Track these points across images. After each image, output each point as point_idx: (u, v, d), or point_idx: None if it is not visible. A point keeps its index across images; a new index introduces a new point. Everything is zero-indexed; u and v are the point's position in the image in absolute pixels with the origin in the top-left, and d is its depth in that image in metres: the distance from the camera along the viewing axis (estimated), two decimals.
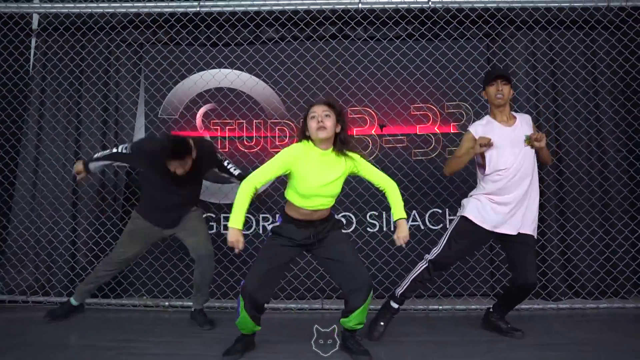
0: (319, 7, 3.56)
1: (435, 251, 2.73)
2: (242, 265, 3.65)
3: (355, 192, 3.68)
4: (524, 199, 2.61)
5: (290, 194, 2.38)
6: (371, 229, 3.76)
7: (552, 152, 3.63)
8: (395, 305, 2.78)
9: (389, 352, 2.50)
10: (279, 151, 2.34)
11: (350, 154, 2.35)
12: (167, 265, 3.66)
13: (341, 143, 2.32)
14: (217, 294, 3.61)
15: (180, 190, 2.93)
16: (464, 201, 2.77)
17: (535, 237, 2.71)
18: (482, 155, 2.66)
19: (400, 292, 2.77)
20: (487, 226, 2.63)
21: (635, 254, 3.53)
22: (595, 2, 3.49)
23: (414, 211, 3.73)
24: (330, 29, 3.73)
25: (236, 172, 3.05)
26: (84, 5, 3.70)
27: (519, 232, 2.63)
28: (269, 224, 3.79)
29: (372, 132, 3.81)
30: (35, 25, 4.06)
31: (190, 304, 3.24)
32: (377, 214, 3.77)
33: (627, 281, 3.51)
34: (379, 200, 3.68)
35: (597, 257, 3.53)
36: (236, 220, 2.22)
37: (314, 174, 2.28)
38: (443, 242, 2.73)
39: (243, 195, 2.24)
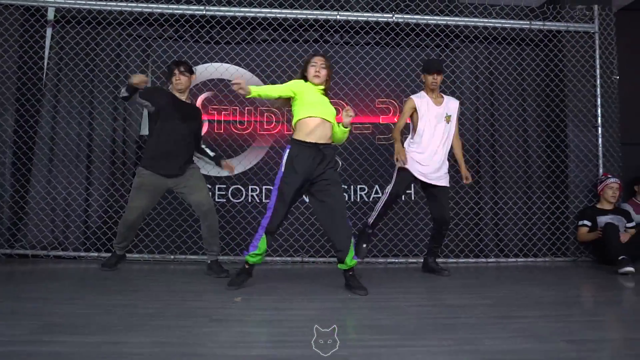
0: (304, 16, 4.36)
1: (388, 188, 3.54)
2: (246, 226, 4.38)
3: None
4: (439, 159, 3.47)
5: (298, 113, 2.87)
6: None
7: (487, 142, 4.62)
8: (370, 231, 3.61)
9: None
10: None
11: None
12: (172, 225, 4.32)
13: (325, 91, 3.01)
14: (226, 250, 4.28)
15: (182, 127, 3.31)
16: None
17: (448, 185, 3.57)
18: (415, 124, 3.53)
19: (371, 222, 3.57)
20: (414, 173, 3.47)
21: (545, 222, 4.55)
22: (520, 24, 4.50)
23: (376, 185, 4.59)
24: (313, 34, 4.54)
25: (212, 154, 3.56)
26: (97, 2, 4.28)
27: (437, 185, 3.47)
28: (257, 194, 4.53)
29: None
30: (50, 16, 4.62)
31: (193, 257, 3.90)
32: (346, 186, 4.58)
33: (539, 242, 4.52)
34: (349, 175, 4.52)
35: (522, 227, 4.53)
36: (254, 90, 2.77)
37: (314, 96, 2.91)
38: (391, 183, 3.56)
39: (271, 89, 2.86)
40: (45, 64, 4.58)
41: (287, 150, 2.88)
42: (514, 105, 4.68)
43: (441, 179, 3.50)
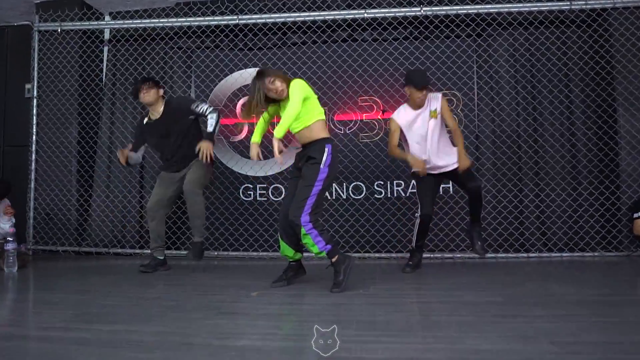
0: (332, 17, 4.45)
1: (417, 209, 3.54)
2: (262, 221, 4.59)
3: (363, 164, 4.56)
4: (434, 150, 3.40)
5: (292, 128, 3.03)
6: (378, 195, 4.63)
7: (528, 134, 4.45)
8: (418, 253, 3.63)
9: (383, 280, 3.38)
10: None
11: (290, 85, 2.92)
12: (215, 223, 4.62)
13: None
14: (245, 246, 4.53)
15: (168, 140, 3.62)
16: None
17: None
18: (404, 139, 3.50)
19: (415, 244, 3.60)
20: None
21: (594, 214, 4.28)
22: (559, 5, 4.26)
23: (412, 180, 4.57)
24: (342, 34, 4.62)
25: (209, 116, 3.60)
26: (147, 20, 4.69)
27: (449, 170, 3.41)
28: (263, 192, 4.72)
29: (378, 116, 4.68)
30: (107, 37, 5.12)
31: (234, 254, 4.15)
32: (382, 183, 4.63)
33: (586, 235, 4.27)
34: (382, 170, 4.57)
35: (561, 215, 4.31)
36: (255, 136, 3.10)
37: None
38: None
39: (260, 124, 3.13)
40: (104, 79, 5.08)
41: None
42: (556, 91, 4.44)
43: (449, 166, 3.44)
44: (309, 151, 2.97)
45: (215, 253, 4.51)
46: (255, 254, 4.46)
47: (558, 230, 4.32)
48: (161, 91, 3.71)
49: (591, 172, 4.38)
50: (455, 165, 3.40)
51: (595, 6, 4.25)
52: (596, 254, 4.17)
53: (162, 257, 3.81)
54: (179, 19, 4.63)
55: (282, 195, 4.72)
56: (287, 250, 3.03)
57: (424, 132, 3.42)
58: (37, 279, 3.60)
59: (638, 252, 4.13)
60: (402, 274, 3.49)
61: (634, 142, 4.20)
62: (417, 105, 3.43)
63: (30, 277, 3.68)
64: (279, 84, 2.93)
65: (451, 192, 4.49)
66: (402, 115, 3.48)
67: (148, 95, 3.61)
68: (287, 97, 2.93)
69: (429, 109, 3.44)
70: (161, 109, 3.69)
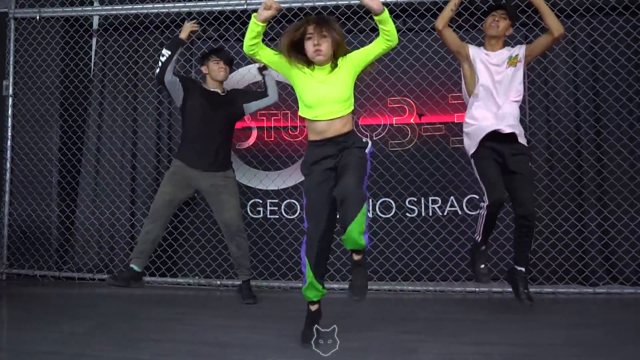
0: (359, 1, 3.70)
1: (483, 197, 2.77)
2: (287, 247, 3.89)
3: (395, 178, 3.84)
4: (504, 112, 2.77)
5: (301, 108, 2.34)
6: (410, 214, 3.91)
7: (589, 139, 3.69)
8: (483, 247, 2.86)
9: (425, 328, 2.67)
10: None
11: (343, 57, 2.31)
12: (218, 247, 3.92)
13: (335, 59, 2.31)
14: (265, 274, 3.85)
15: (216, 118, 3.21)
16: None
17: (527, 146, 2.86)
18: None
19: (480, 239, 2.83)
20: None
21: None
22: None
23: (452, 197, 3.85)
24: (370, 22, 3.86)
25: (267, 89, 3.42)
26: (140, 6, 3.99)
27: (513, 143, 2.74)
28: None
29: (411, 120, 3.95)
30: (95, 26, 4.42)
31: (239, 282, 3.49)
32: (415, 199, 3.91)
33: None
34: (418, 186, 3.84)
35: (636, 242, 3.56)
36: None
37: (313, 87, 2.28)
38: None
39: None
40: (91, 75, 4.38)
41: (306, 153, 2.38)
42: (628, 92, 3.66)
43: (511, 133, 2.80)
44: (345, 142, 2.25)
45: (218, 282, 3.81)
46: (265, 283, 3.76)
47: (631, 260, 3.57)
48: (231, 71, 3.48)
49: None
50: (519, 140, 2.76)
51: None
52: None
53: (139, 270, 3.19)
54: (176, 4, 3.92)
55: (297, 213, 4.01)
56: (316, 287, 2.30)
57: (494, 79, 2.82)
58: (19, 318, 2.92)
59: None
60: (449, 320, 2.77)
61: None
62: (491, 40, 2.90)
63: (10, 311, 3.03)
64: (325, 47, 2.24)
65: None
66: (474, 47, 2.95)
67: (224, 71, 3.34)
68: (327, 65, 2.30)
69: (508, 55, 2.84)
70: (223, 92, 3.38)
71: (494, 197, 2.70)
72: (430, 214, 3.88)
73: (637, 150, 3.65)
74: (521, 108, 3.30)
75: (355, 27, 3.87)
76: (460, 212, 3.86)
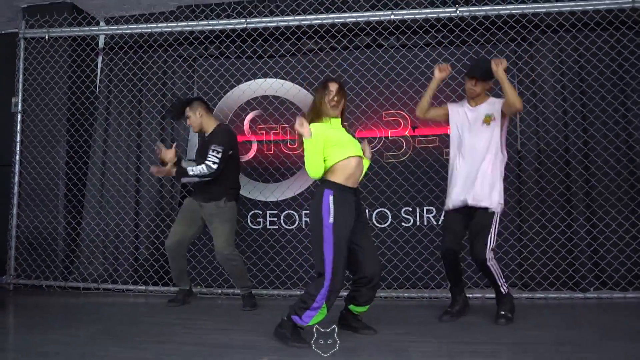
0: (354, 19, 3.88)
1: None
2: (286, 256, 4.00)
3: (390, 188, 3.96)
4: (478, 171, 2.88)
5: (332, 158, 2.49)
6: (405, 223, 4.02)
7: (577, 149, 3.82)
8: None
9: (417, 330, 2.77)
10: None
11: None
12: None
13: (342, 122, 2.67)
14: (276, 283, 3.95)
15: (202, 159, 3.30)
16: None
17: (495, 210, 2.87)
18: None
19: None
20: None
21: None
22: (619, 3, 3.65)
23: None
24: (365, 39, 4.04)
25: (204, 167, 3.24)
26: (145, 26, 4.16)
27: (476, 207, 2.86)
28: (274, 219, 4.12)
29: (405, 133, 4.09)
30: (101, 44, 4.60)
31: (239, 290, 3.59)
32: (411, 209, 4.03)
33: None
34: (412, 196, 3.96)
35: (624, 248, 3.66)
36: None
37: (340, 132, 2.58)
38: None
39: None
40: (97, 92, 4.55)
41: (331, 196, 2.45)
42: (612, 104, 3.80)
43: (475, 202, 2.96)
44: (359, 199, 2.65)
45: (219, 291, 3.91)
46: (265, 292, 3.86)
47: (620, 265, 3.66)
48: (201, 111, 3.42)
49: None
50: (481, 205, 2.86)
51: None
52: None
53: (187, 287, 3.60)
54: (179, 24, 4.07)
55: (296, 224, 4.13)
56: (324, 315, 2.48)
57: (468, 138, 2.97)
58: (27, 324, 3.01)
59: None
60: (436, 324, 2.88)
61: None
62: (471, 99, 3.05)
63: (17, 319, 3.12)
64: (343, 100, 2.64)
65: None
66: (455, 104, 3.15)
67: (193, 125, 3.46)
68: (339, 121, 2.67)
69: (485, 112, 2.96)
70: (212, 128, 3.45)
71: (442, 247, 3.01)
72: (425, 223, 4.00)
73: (623, 159, 3.77)
74: (511, 119, 3.45)
75: (386, 42, 4.07)
76: None
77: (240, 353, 2.36)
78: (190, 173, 3.25)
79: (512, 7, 3.71)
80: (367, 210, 3.97)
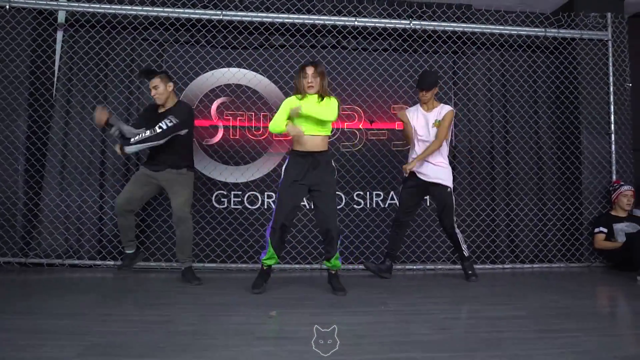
0: (322, 22, 4.33)
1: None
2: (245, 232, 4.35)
3: (348, 174, 4.49)
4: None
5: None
6: (357, 206, 4.57)
7: (501, 147, 4.65)
8: (388, 262, 3.85)
9: (388, 291, 3.33)
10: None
11: (326, 98, 3.18)
12: (201, 234, 4.19)
13: (321, 95, 3.18)
14: (244, 257, 4.26)
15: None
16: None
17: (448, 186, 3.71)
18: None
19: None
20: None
21: (560, 228, 4.60)
22: (535, 31, 4.52)
23: (393, 192, 4.60)
24: (331, 40, 4.51)
25: (147, 132, 3.33)
26: (109, 6, 4.18)
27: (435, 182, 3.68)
28: (273, 201, 4.50)
29: (360, 126, 4.63)
30: (61, 20, 4.52)
31: (211, 265, 3.84)
32: (362, 193, 4.58)
33: (553, 248, 4.56)
34: (368, 181, 4.52)
35: (533, 228, 4.57)
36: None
37: (306, 108, 3.09)
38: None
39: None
40: (57, 68, 4.49)
41: (287, 160, 3.26)
42: (528, 111, 4.71)
43: (431, 179, 3.76)
44: (321, 161, 3.17)
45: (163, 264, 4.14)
46: (234, 265, 4.18)
47: (529, 242, 4.57)
48: (171, 85, 3.53)
49: (558, 188, 4.70)
50: (436, 181, 3.68)
51: (566, 35, 4.57)
52: (562, 265, 4.47)
53: (133, 251, 3.72)
54: (154, 8, 4.22)
55: (259, 204, 4.49)
56: (274, 258, 3.21)
57: (424, 135, 3.71)
58: (6, 300, 3.03)
59: (596, 263, 4.49)
60: (401, 286, 3.49)
61: (595, 162, 4.57)
62: (424, 105, 3.77)
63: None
64: (318, 80, 3.18)
65: (429, 202, 4.55)
66: (412, 110, 3.84)
67: (157, 94, 3.49)
68: (316, 97, 3.19)
69: (435, 118, 3.68)
70: (169, 105, 3.55)
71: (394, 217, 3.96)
72: (375, 205, 4.58)
73: (534, 157, 4.69)
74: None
75: (350, 45, 4.56)
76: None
77: (250, 308, 2.73)
78: (132, 140, 3.30)
79: (455, 24, 4.42)
80: None
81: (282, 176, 3.21)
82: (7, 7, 4.17)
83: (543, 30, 4.53)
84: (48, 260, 4.08)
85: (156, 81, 3.47)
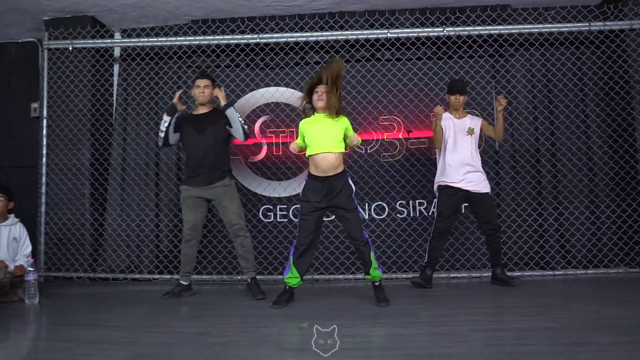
0: (355, 36, 4.43)
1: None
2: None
3: (388, 184, 4.53)
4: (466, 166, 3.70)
5: (307, 151, 3.19)
6: (400, 215, 4.60)
7: (546, 149, 4.50)
8: (429, 272, 3.81)
9: (421, 301, 3.35)
10: None
11: (342, 117, 3.17)
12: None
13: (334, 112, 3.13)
14: (269, 269, 4.46)
15: (201, 138, 3.52)
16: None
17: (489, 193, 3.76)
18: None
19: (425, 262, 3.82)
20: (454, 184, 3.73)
21: (617, 231, 4.35)
22: (578, 26, 4.34)
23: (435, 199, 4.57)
24: (365, 54, 4.60)
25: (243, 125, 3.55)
26: (165, 39, 4.56)
27: (477, 191, 3.68)
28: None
29: (400, 136, 4.67)
30: (117, 54, 4.98)
31: (259, 277, 4.01)
32: (405, 202, 4.61)
33: (609, 252, 4.33)
34: (408, 190, 4.54)
35: (585, 232, 4.36)
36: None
37: (316, 128, 3.16)
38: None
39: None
40: (114, 99, 4.94)
41: (305, 181, 3.25)
42: (574, 110, 4.51)
43: (471, 187, 3.74)
44: (337, 186, 3.13)
45: (239, 277, 4.39)
46: (280, 277, 4.35)
47: (582, 247, 4.37)
48: (212, 93, 3.66)
49: (611, 188, 4.45)
50: (477, 190, 3.69)
51: (613, 27, 4.34)
52: (620, 270, 4.22)
53: (187, 283, 3.75)
54: (196, 37, 4.53)
55: None
56: (297, 278, 3.23)
57: (455, 141, 3.75)
58: (62, 311, 3.41)
59: None
60: (441, 296, 3.48)
61: None
62: (455, 112, 3.81)
63: (54, 309, 3.50)
64: (325, 96, 3.16)
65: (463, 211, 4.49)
66: (444, 117, 3.83)
67: (203, 95, 3.61)
68: (326, 112, 3.17)
69: (467, 125, 3.75)
70: (207, 110, 3.69)
71: (435, 226, 3.87)
72: (418, 214, 4.59)
73: (583, 158, 4.48)
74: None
75: (383, 56, 4.63)
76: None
77: (286, 320, 2.88)
78: (238, 115, 3.54)
79: (490, 27, 4.34)
80: (366, 204, 4.54)
81: (301, 199, 3.20)
82: (70, 48, 4.65)
83: (587, 24, 4.33)
84: (113, 275, 4.48)
85: (208, 82, 3.63)
